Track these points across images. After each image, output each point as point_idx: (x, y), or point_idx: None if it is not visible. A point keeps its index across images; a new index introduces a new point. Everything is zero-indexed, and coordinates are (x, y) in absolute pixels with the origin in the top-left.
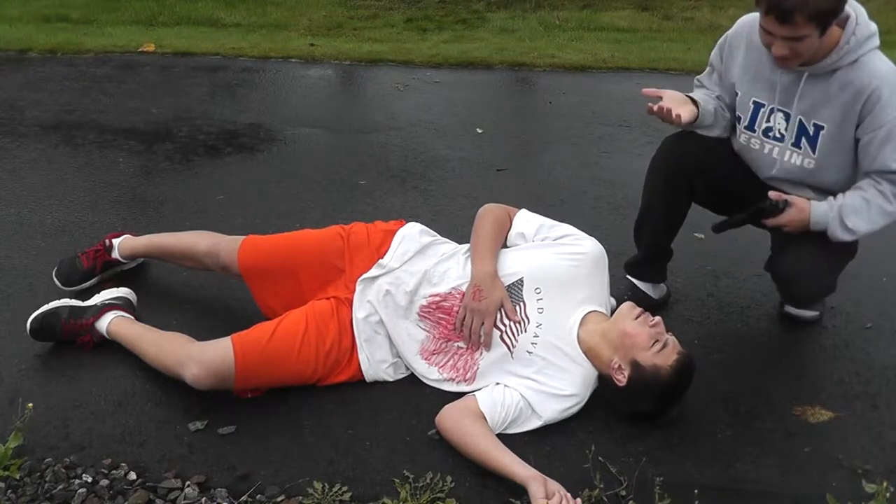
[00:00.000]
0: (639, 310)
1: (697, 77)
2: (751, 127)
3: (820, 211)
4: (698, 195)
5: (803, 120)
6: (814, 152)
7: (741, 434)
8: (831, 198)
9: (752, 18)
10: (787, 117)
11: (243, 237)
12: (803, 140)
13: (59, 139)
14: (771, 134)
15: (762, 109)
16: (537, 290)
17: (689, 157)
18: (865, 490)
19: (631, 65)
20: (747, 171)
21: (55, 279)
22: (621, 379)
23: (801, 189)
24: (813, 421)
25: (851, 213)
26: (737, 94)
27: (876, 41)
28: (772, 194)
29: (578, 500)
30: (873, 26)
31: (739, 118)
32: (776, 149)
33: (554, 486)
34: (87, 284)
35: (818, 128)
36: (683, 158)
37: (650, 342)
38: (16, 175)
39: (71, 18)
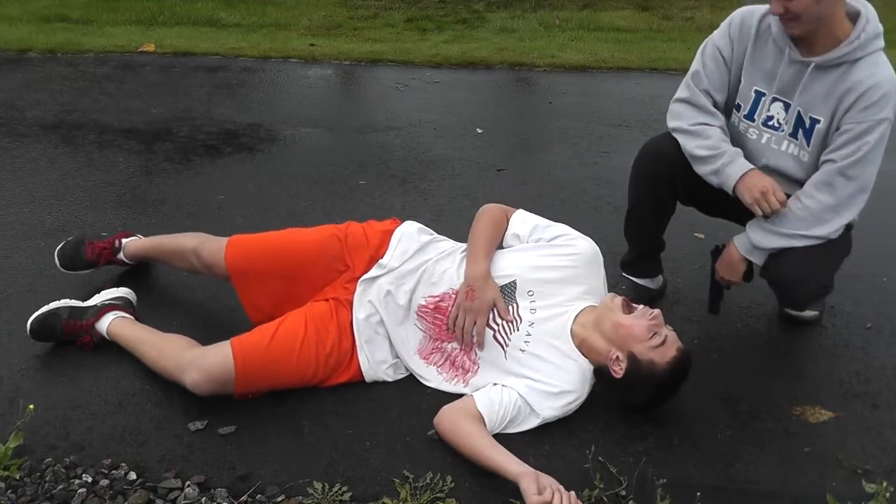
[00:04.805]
0: (621, 299)
1: (688, 82)
2: (750, 116)
3: (740, 239)
4: (681, 197)
5: (801, 112)
6: (808, 145)
7: (741, 434)
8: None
9: (755, 9)
10: (787, 107)
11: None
12: (800, 132)
13: (59, 139)
14: (770, 123)
15: (763, 98)
16: (530, 293)
17: (672, 160)
18: (865, 490)
19: (631, 65)
20: None
21: (56, 258)
22: (618, 371)
23: (792, 185)
24: (813, 421)
25: (794, 219)
26: (740, 81)
27: (881, 42)
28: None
29: (572, 492)
30: (880, 27)
31: (739, 106)
32: (773, 138)
33: (546, 480)
34: (84, 273)
35: (814, 121)
36: (665, 162)
37: (648, 334)
38: (16, 175)
39: (71, 18)
